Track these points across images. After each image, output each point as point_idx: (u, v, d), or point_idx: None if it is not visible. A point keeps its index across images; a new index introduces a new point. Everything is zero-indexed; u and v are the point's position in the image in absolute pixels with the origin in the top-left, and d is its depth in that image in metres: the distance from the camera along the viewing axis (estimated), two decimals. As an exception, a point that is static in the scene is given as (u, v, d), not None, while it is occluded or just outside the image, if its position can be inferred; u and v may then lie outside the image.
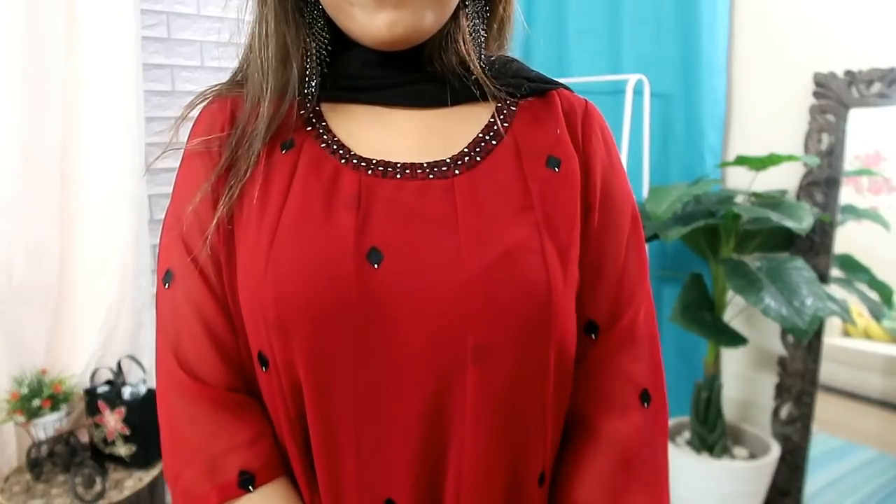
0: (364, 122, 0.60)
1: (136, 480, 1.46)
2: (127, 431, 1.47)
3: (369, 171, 0.56)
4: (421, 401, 0.53)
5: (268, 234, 0.54)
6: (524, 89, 0.63)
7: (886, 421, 1.76)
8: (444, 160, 0.57)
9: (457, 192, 0.55)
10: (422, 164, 0.57)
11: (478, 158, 0.58)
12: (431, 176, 0.56)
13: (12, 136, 1.43)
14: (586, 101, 0.67)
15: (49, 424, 1.45)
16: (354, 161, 0.57)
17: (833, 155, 1.77)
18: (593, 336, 0.62)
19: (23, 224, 1.46)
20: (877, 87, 1.71)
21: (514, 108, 0.63)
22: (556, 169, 0.59)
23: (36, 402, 1.42)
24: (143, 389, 1.51)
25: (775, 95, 1.90)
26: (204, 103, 0.64)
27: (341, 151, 0.58)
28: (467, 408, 0.53)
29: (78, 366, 1.56)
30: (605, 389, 0.61)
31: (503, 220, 0.54)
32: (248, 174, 0.58)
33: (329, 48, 0.62)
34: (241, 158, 0.58)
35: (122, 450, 1.49)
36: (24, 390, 1.43)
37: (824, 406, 1.82)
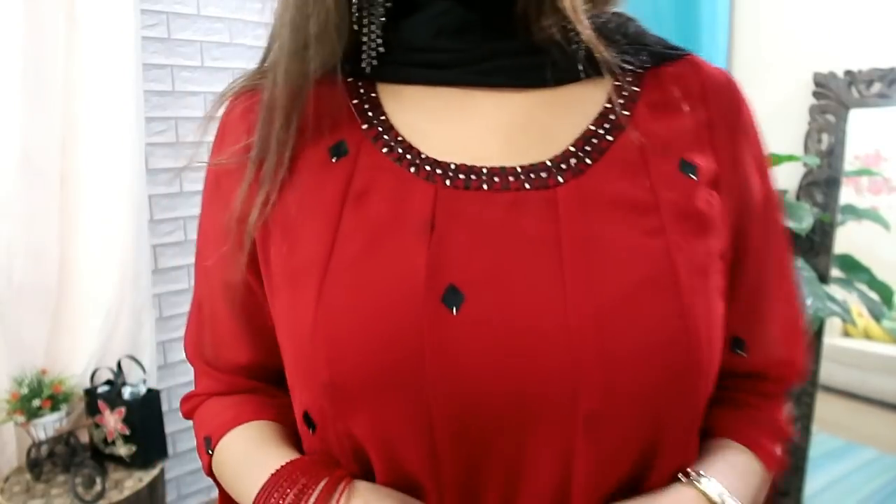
0: (437, 112, 0.47)
1: (136, 480, 1.46)
2: (127, 431, 1.47)
3: (447, 182, 0.43)
4: (514, 479, 0.41)
5: (316, 277, 0.42)
6: (646, 59, 0.48)
7: (886, 421, 1.76)
8: (544, 163, 0.44)
9: (561, 208, 0.42)
10: (515, 168, 0.44)
11: (588, 161, 0.44)
12: (528, 185, 0.43)
13: (12, 136, 1.43)
14: (727, 74, 0.50)
15: (49, 424, 1.45)
16: (427, 168, 0.44)
17: (833, 155, 1.78)
18: (740, 352, 0.52)
19: (23, 224, 1.46)
20: (877, 87, 1.71)
21: (636, 89, 0.48)
22: (694, 175, 0.45)
23: (36, 403, 1.42)
24: (142, 389, 1.51)
25: (775, 95, 1.90)
26: (226, 103, 0.51)
27: (409, 156, 0.45)
28: (574, 492, 0.41)
29: (78, 366, 1.56)
30: (750, 435, 0.52)
31: (624, 246, 0.41)
32: (271, 198, 0.45)
33: (388, 6, 0.47)
34: (266, 178, 0.46)
35: (122, 450, 1.49)
36: (24, 390, 1.43)
37: (824, 406, 1.82)
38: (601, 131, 0.46)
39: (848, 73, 1.72)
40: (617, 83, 0.48)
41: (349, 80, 0.48)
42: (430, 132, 0.46)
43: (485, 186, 0.43)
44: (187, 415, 0.59)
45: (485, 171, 0.44)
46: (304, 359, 0.42)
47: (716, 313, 0.43)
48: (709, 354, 0.42)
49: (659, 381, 0.40)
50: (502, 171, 0.44)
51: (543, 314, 0.39)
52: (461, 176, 0.44)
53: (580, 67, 0.46)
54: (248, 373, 0.55)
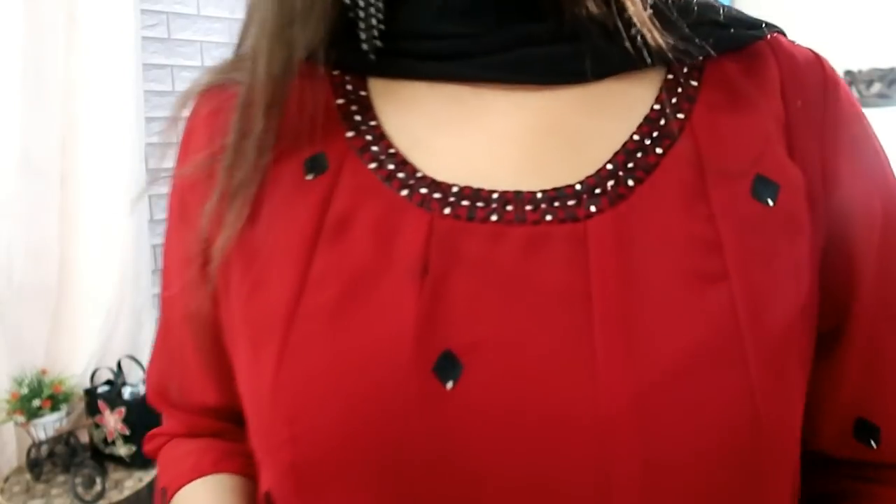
0: (439, 117, 0.37)
1: (136, 480, 1.46)
2: (127, 431, 1.47)
3: (446, 210, 0.33)
4: None
5: (278, 331, 0.33)
6: (712, 42, 0.36)
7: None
8: (573, 186, 0.34)
9: (593, 248, 0.32)
10: (534, 193, 0.34)
11: (630, 182, 0.34)
12: (550, 217, 0.33)
13: (12, 136, 1.43)
14: (814, 53, 0.39)
15: (49, 424, 1.45)
16: (423, 191, 0.34)
17: (833, 155, 1.78)
18: (872, 443, 0.38)
19: (23, 224, 1.46)
20: (877, 87, 1.71)
21: (694, 83, 0.37)
22: (771, 200, 0.34)
23: (36, 403, 1.42)
24: (142, 389, 1.51)
25: (775, 95, 1.90)
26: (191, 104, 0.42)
27: (401, 175, 0.35)
28: None
29: (78, 366, 1.56)
30: None
31: (676, 300, 0.31)
32: (241, 219, 0.36)
33: None
34: (238, 191, 0.36)
35: (122, 450, 1.49)
36: (24, 390, 1.43)
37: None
38: (648, 142, 0.35)
39: (848, 73, 1.72)
40: (670, 77, 0.37)
41: (334, 72, 0.39)
42: (429, 143, 0.36)
43: (494, 217, 0.33)
44: (150, 455, 0.52)
45: (495, 196, 0.34)
46: (264, 431, 0.34)
47: (795, 392, 0.33)
48: (784, 448, 0.32)
49: (716, 487, 0.30)
50: (518, 197, 0.34)
51: (566, 396, 0.30)
52: (464, 202, 0.34)
53: (629, 53, 0.35)
54: (217, 414, 0.46)
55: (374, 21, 0.37)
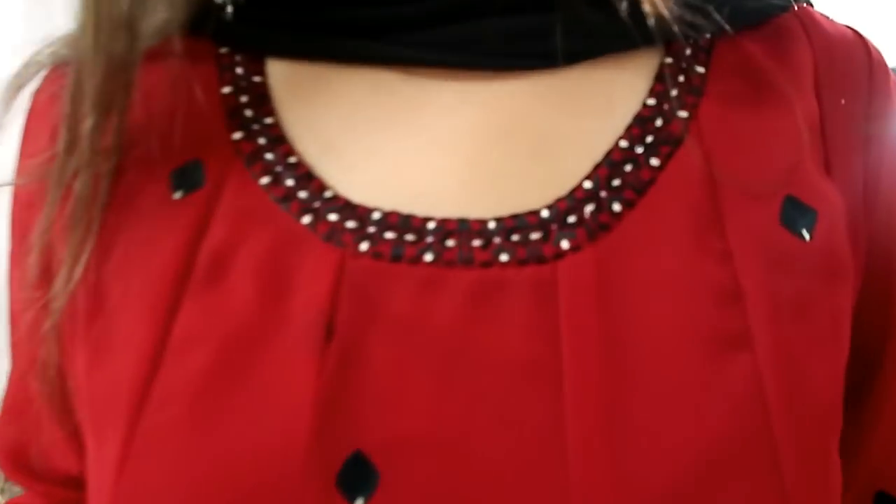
0: (360, 112, 0.28)
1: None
2: None
3: (363, 245, 0.25)
4: None
5: (123, 418, 0.24)
6: (727, 13, 0.27)
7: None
8: (537, 212, 0.25)
9: (563, 301, 0.24)
10: (484, 222, 0.25)
11: (616, 206, 0.25)
12: (505, 256, 0.24)
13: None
14: (863, 38, 0.31)
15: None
16: (332, 217, 0.25)
17: (833, 155, 1.78)
18: None
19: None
20: (877, 86, 1.72)
21: (700, 69, 0.28)
22: (806, 233, 0.26)
23: (35, 403, 1.42)
24: None
25: (775, 95, 1.91)
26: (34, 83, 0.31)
27: (302, 194, 0.26)
28: None
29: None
30: None
31: (679, 380, 0.23)
32: (86, 250, 0.26)
33: None
34: (75, 212, 0.27)
35: None
36: (24, 390, 1.43)
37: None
38: (640, 150, 0.26)
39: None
40: (668, 60, 0.28)
41: (222, 50, 0.29)
42: (344, 149, 0.27)
43: (428, 257, 0.24)
44: None
45: (432, 226, 0.25)
46: None
47: (835, 486, 0.25)
48: None
49: None
50: (463, 228, 0.25)
51: None
52: (388, 235, 0.25)
53: (611, 32, 0.27)
54: (79, 484, 0.34)
55: None
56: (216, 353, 0.24)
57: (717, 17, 0.27)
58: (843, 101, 0.29)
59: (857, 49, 0.30)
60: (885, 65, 0.30)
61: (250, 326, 0.24)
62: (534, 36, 0.27)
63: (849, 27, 0.31)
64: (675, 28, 0.26)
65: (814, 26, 0.30)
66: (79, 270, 0.26)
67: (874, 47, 0.31)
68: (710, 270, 0.24)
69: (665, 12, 0.25)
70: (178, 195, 0.27)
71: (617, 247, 0.25)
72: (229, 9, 0.28)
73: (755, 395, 0.23)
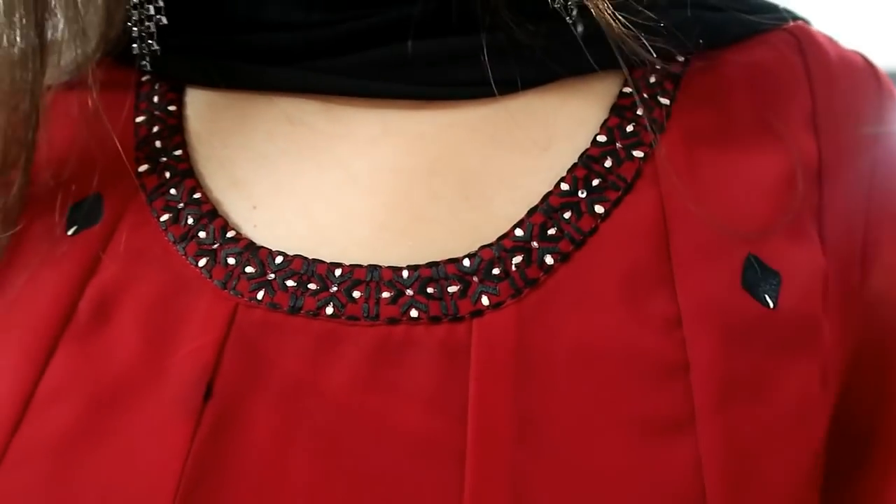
0: (271, 145, 0.26)
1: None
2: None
3: (259, 294, 0.23)
4: None
5: None
6: (698, 31, 0.24)
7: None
8: (458, 261, 0.23)
9: (475, 368, 0.21)
10: (398, 271, 0.23)
11: (548, 259, 0.22)
12: (415, 311, 0.22)
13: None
14: (872, 64, 0.27)
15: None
16: (230, 261, 0.23)
17: (833, 156, 1.78)
18: None
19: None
20: (877, 87, 1.71)
21: (665, 100, 0.25)
22: (769, 299, 0.22)
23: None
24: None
25: (774, 96, 1.90)
26: None
27: (202, 234, 0.24)
28: None
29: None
30: None
31: (605, 468, 0.20)
32: None
33: None
34: None
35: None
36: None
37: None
38: (583, 195, 0.23)
39: (847, 73, 1.72)
40: (627, 90, 0.25)
41: (143, 78, 0.28)
42: (252, 185, 0.25)
43: (329, 310, 0.22)
44: None
45: (338, 273, 0.23)
46: None
47: None
48: None
49: None
50: (372, 277, 0.23)
51: None
52: (289, 283, 0.23)
53: (561, 55, 0.24)
54: None
55: (145, 14, 0.26)
56: (83, 408, 0.21)
57: (684, 38, 0.23)
58: (845, 139, 0.24)
59: (864, 78, 0.26)
60: (890, 90, 0.26)
61: (125, 380, 0.22)
62: (465, 61, 0.24)
63: (856, 52, 0.27)
64: (635, 55, 0.22)
65: (812, 49, 0.26)
66: None
67: (885, 76, 0.26)
68: (652, 340, 0.21)
69: (628, 38, 0.22)
70: (71, 231, 0.25)
71: (544, 307, 0.22)
72: (151, 35, 0.26)
73: (693, 490, 0.19)
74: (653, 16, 0.22)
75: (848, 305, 0.23)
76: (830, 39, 0.27)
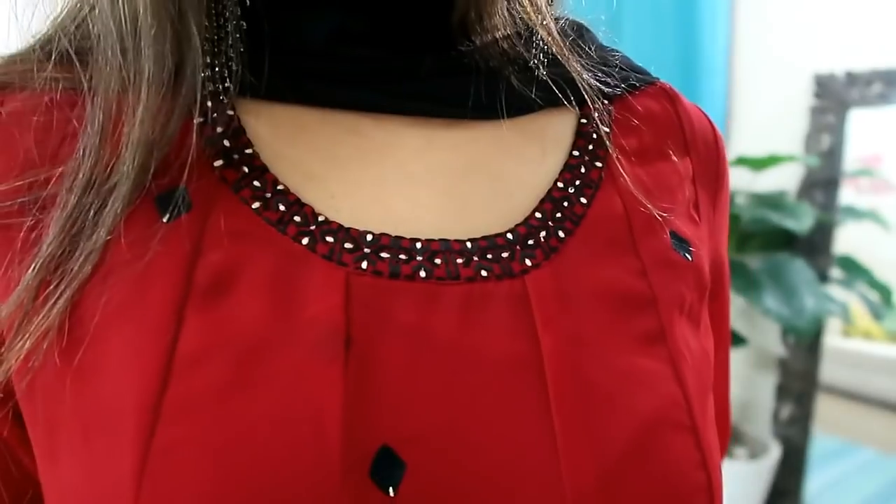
0: (336, 149, 0.30)
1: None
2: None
3: (363, 264, 0.27)
4: None
5: (134, 430, 0.24)
6: (616, 84, 0.35)
7: (887, 421, 1.76)
8: (504, 235, 0.30)
9: (536, 308, 0.28)
10: (463, 243, 0.29)
11: (561, 234, 0.31)
12: (485, 272, 0.28)
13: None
14: (707, 115, 0.40)
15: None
16: (329, 238, 0.27)
17: (833, 155, 1.78)
18: None
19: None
20: (877, 87, 1.71)
21: (605, 129, 0.34)
22: (688, 255, 0.34)
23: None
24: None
25: (775, 96, 1.90)
26: None
27: (298, 217, 0.28)
28: None
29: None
30: None
31: (625, 364, 0.29)
32: (84, 276, 0.26)
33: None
34: (78, 242, 0.26)
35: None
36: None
37: (824, 406, 1.82)
38: (572, 190, 0.32)
39: (848, 73, 1.72)
40: (583, 120, 0.35)
41: (200, 97, 0.29)
42: (327, 180, 0.29)
43: (423, 273, 0.27)
44: None
45: (419, 245, 0.28)
46: None
47: (717, 446, 0.32)
48: None
49: None
50: (445, 248, 0.28)
51: (531, 487, 0.26)
52: (384, 254, 0.27)
53: (540, 93, 0.32)
54: None
55: (239, 50, 0.28)
56: (231, 365, 0.25)
57: (617, 84, 0.34)
58: (701, 162, 0.37)
59: (704, 119, 0.39)
60: (720, 135, 0.39)
61: (263, 337, 0.25)
62: (480, 93, 0.32)
63: (697, 106, 0.39)
64: (590, 91, 0.33)
65: (676, 98, 0.38)
66: (54, 319, 0.25)
67: (714, 123, 0.39)
68: (633, 282, 0.31)
69: (585, 79, 0.33)
70: (166, 218, 0.27)
71: (565, 265, 0.30)
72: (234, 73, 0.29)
73: (672, 375, 0.30)
74: (600, 70, 0.34)
75: (709, 269, 0.36)
76: (681, 95, 0.39)
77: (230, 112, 0.29)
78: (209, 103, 0.29)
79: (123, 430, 0.24)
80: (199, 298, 0.26)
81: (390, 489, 0.24)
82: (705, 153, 0.37)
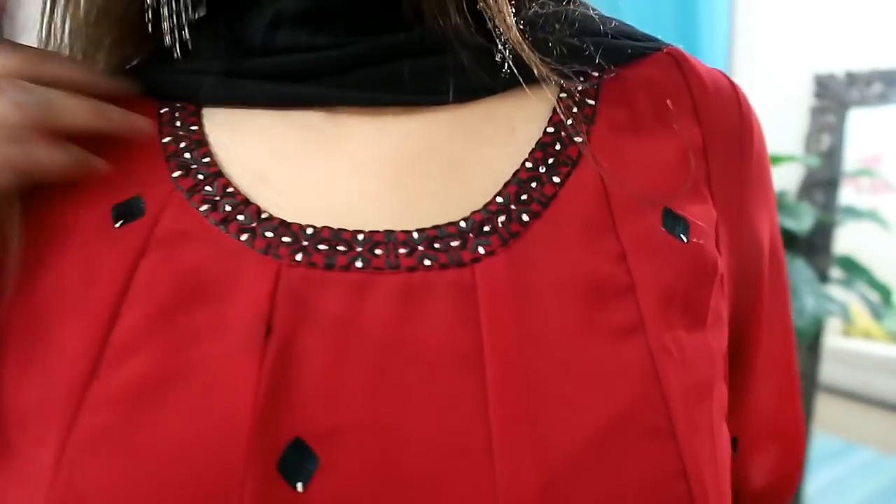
0: (287, 146, 0.30)
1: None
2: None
3: (298, 256, 0.27)
4: None
5: (58, 420, 0.24)
6: (604, 57, 0.32)
7: (887, 421, 1.76)
8: (456, 224, 0.28)
9: (483, 300, 0.27)
10: (409, 233, 0.28)
11: (525, 217, 0.29)
12: (429, 261, 0.27)
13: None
14: (727, 76, 0.36)
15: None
16: (268, 234, 0.28)
17: (833, 155, 1.78)
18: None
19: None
20: (877, 87, 1.71)
21: (591, 101, 0.32)
22: (684, 236, 0.30)
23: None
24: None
25: (775, 96, 1.90)
26: None
27: (241, 217, 0.28)
28: None
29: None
30: None
31: (585, 360, 0.26)
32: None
33: None
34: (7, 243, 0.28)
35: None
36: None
37: (824, 406, 1.82)
38: (543, 170, 0.30)
39: (848, 73, 1.72)
40: (563, 95, 0.32)
41: (162, 110, 0.32)
42: (275, 177, 0.30)
43: (359, 263, 0.27)
44: None
45: (360, 237, 0.27)
46: None
47: (724, 452, 0.29)
48: None
49: None
50: (389, 238, 0.27)
51: (459, 490, 0.24)
52: (321, 247, 0.27)
53: (508, 68, 0.30)
54: None
55: (174, 36, 0.30)
56: (154, 356, 0.25)
57: (595, 56, 0.31)
58: (715, 126, 0.33)
59: (725, 83, 0.35)
60: (745, 96, 0.35)
61: (190, 331, 0.26)
62: (438, 75, 0.30)
63: (715, 69, 0.36)
64: (551, 74, 0.30)
65: (685, 62, 0.34)
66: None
67: (738, 85, 0.35)
68: (608, 269, 0.28)
69: (537, 63, 0.29)
70: (118, 224, 0.29)
71: (526, 251, 0.28)
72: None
73: (649, 370, 0.26)
74: (576, 45, 0.31)
75: (731, 245, 0.33)
76: (694, 58, 0.35)
77: (193, 126, 0.31)
78: (177, 123, 0.31)
79: (47, 423, 0.25)
80: (137, 292, 0.27)
81: (299, 484, 0.23)
82: (722, 120, 0.33)
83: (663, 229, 0.30)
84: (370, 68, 0.30)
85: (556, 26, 0.31)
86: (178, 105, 0.32)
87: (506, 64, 0.30)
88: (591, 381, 0.26)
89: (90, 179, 0.29)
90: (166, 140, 0.31)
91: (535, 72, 0.30)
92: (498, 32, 0.29)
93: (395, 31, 0.30)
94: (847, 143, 1.76)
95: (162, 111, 0.32)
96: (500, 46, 0.30)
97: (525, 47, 0.29)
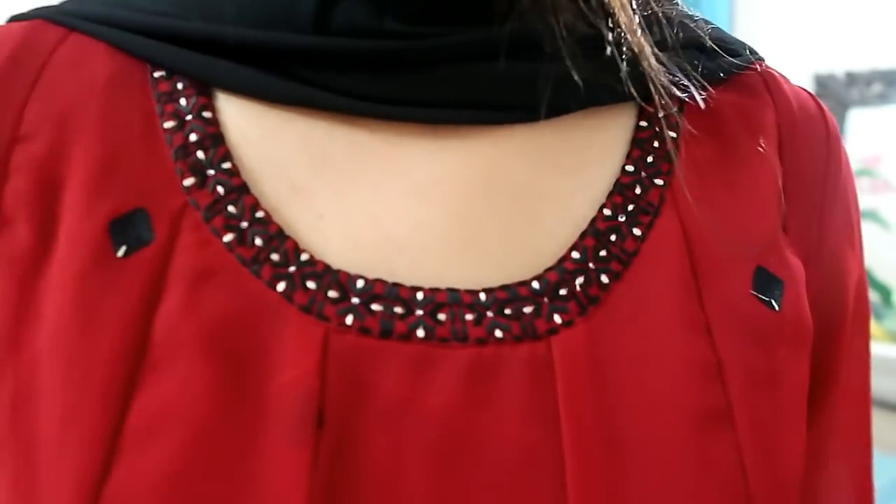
0: (328, 154, 0.25)
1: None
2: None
3: (348, 319, 0.22)
4: None
5: None
6: (700, 72, 0.26)
7: (887, 422, 1.76)
8: (528, 283, 0.24)
9: (561, 381, 0.23)
10: (475, 294, 0.23)
11: (604, 278, 0.24)
12: (500, 332, 0.23)
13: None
14: (815, 99, 0.31)
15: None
16: (310, 285, 0.23)
17: (833, 155, 1.78)
18: None
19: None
20: (877, 87, 1.71)
21: (672, 134, 0.27)
22: (776, 303, 0.26)
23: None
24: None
25: (775, 95, 1.90)
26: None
27: (275, 256, 0.23)
28: None
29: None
30: None
31: (672, 457, 0.23)
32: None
33: None
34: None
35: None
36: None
37: (824, 406, 1.82)
38: (622, 219, 0.25)
39: (848, 73, 1.72)
40: (643, 123, 0.27)
41: (156, 74, 0.25)
42: (313, 194, 0.24)
43: (420, 333, 0.22)
44: None
45: (420, 297, 0.23)
46: None
47: None
48: None
49: None
50: (454, 300, 0.23)
51: None
52: (375, 307, 0.22)
53: (592, 87, 0.25)
54: None
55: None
56: (184, 443, 0.20)
57: (695, 76, 0.26)
58: (799, 161, 0.29)
59: (815, 113, 0.30)
60: (837, 129, 0.31)
61: (222, 411, 0.21)
62: (520, 86, 0.25)
63: (805, 90, 0.32)
64: (665, 91, 0.25)
65: (776, 87, 0.30)
66: None
67: (828, 112, 0.31)
68: (694, 343, 0.24)
69: (660, 76, 0.25)
70: (121, 252, 0.22)
71: (606, 321, 0.24)
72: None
73: (737, 470, 0.23)
74: (679, 58, 0.26)
75: (814, 304, 0.28)
76: (787, 80, 0.31)
77: (206, 114, 0.24)
78: (181, 101, 0.24)
79: None
80: (155, 358, 0.21)
81: None
82: (807, 156, 0.29)
83: (753, 293, 0.25)
84: (436, 70, 0.24)
85: (655, 30, 0.25)
86: (181, 82, 0.24)
87: (622, 73, 0.24)
88: (678, 483, 0.22)
89: (74, 168, 0.22)
90: (169, 125, 0.24)
91: (652, 87, 0.24)
92: (618, 33, 0.24)
93: (480, 23, 0.24)
94: (847, 143, 1.76)
95: (156, 75, 0.24)
96: (616, 51, 0.24)
97: (649, 54, 0.24)
